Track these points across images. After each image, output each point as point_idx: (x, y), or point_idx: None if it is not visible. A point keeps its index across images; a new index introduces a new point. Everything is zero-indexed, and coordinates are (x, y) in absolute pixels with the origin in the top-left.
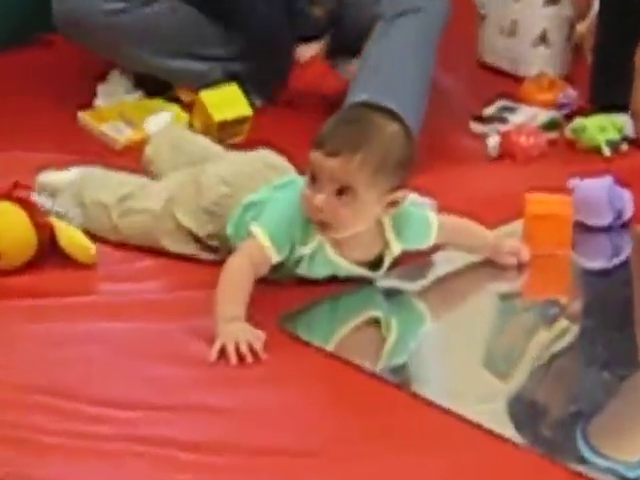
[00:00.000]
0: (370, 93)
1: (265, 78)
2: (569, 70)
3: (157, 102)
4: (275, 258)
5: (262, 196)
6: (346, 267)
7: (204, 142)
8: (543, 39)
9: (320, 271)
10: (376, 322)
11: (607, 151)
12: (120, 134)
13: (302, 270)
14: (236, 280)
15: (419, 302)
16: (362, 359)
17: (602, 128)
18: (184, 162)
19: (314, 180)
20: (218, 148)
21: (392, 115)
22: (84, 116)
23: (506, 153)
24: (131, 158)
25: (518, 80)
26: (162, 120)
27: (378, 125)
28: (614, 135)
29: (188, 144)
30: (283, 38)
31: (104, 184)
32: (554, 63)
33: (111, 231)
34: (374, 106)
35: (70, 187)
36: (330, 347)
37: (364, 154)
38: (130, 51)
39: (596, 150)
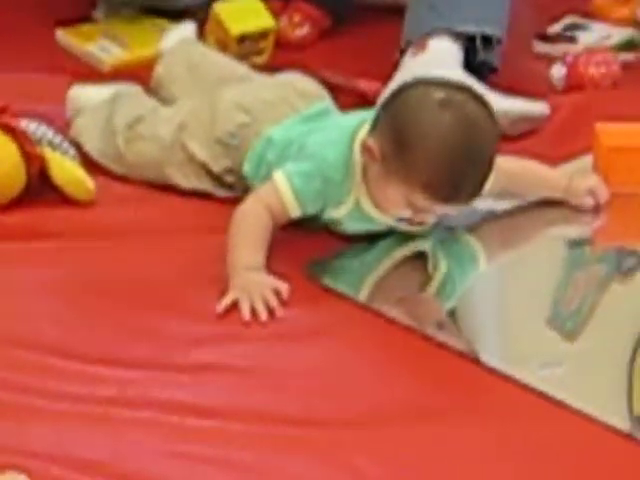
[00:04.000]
0: None
1: None
2: None
3: (155, 19)
4: (295, 214)
5: (288, 131)
6: (386, 222)
7: (228, 63)
8: None
9: (355, 228)
10: (421, 258)
11: None
12: (107, 54)
13: (332, 228)
14: (253, 225)
15: (471, 239)
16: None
17: None
18: (202, 86)
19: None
20: (244, 69)
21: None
22: (64, 34)
23: (574, 85)
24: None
25: None
26: (182, 34)
27: (486, 143)
28: None
29: (208, 64)
30: None
31: (128, 105)
32: None
33: (116, 160)
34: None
35: (99, 109)
36: (366, 290)
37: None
38: None
39: None
